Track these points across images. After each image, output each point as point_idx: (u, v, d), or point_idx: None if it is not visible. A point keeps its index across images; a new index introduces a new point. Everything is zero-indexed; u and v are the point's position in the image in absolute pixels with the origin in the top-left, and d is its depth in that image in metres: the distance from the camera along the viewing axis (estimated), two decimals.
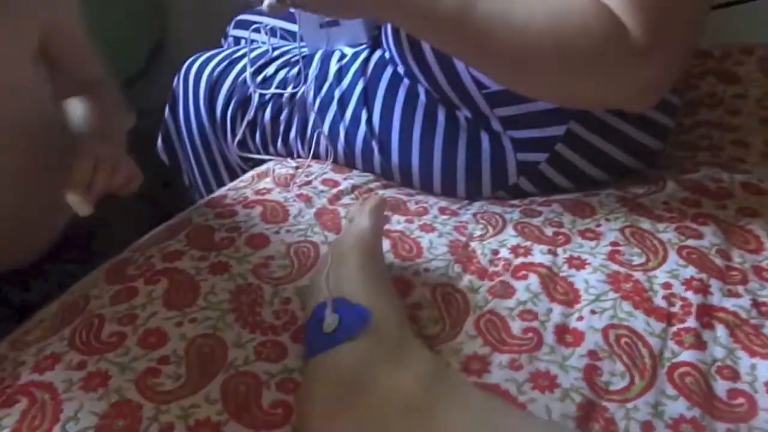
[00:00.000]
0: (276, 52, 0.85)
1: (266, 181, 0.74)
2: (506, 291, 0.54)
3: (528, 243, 0.60)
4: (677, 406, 0.44)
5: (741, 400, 0.44)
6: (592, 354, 0.48)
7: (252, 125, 0.83)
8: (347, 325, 0.45)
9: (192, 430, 0.41)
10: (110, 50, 1.23)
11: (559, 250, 0.59)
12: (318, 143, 0.79)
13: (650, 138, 0.70)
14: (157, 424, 0.42)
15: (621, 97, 0.56)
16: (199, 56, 0.91)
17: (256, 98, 0.82)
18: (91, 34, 1.16)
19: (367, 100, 0.75)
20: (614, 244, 0.58)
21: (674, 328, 0.49)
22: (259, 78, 0.82)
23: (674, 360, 0.47)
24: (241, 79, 0.84)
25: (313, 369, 0.45)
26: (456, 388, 0.42)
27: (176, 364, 0.47)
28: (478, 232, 0.63)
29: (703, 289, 0.52)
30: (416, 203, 0.69)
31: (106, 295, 0.55)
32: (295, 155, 0.82)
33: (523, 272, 0.56)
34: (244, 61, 0.85)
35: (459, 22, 0.53)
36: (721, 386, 0.45)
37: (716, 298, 0.52)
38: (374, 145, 0.74)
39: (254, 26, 0.94)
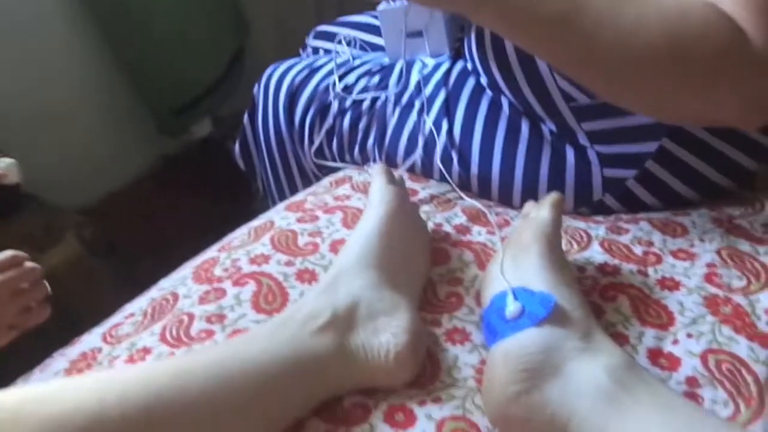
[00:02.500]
0: (357, 61, 0.86)
1: (344, 187, 0.74)
2: (594, 312, 0.52)
3: (616, 261, 0.58)
4: None
5: None
6: (691, 380, 0.46)
7: (330, 133, 0.84)
8: (531, 311, 0.45)
9: None
10: (192, 57, 1.28)
11: (650, 270, 0.57)
12: (396, 152, 0.79)
13: (746, 157, 0.67)
14: None
15: (735, 111, 0.51)
16: (280, 64, 0.93)
17: (335, 105, 0.83)
18: (175, 42, 1.22)
19: (448, 110, 0.75)
20: (710, 265, 0.56)
21: None
22: (340, 86, 0.83)
23: None
24: (321, 87, 0.85)
25: (496, 354, 0.45)
26: (647, 383, 0.41)
27: None
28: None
29: None
30: (497, 215, 0.68)
31: (195, 295, 0.56)
32: (371, 164, 0.82)
33: (612, 293, 0.54)
34: (326, 69, 0.86)
35: (564, 23, 0.49)
36: None
37: None
38: (454, 155, 0.74)
39: (336, 37, 0.95)
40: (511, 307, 0.46)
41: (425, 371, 0.49)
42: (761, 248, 0.57)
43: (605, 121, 0.65)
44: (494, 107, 0.72)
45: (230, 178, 1.14)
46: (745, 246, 0.57)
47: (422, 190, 0.73)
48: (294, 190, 0.94)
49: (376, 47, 0.93)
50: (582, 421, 0.40)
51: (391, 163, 0.80)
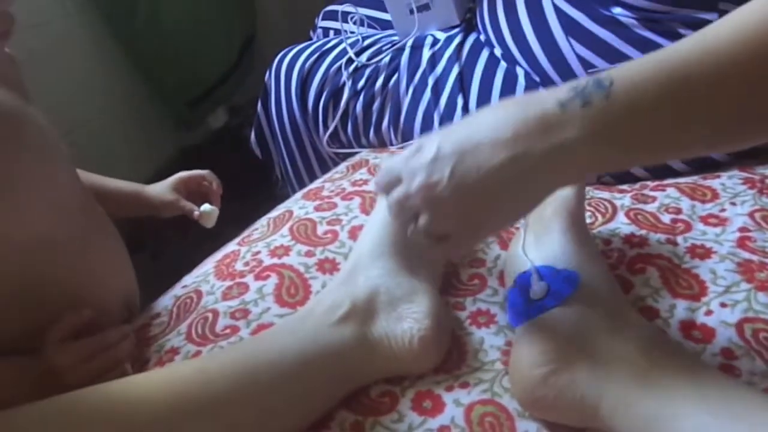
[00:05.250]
0: (367, 41, 0.84)
1: (361, 171, 0.73)
2: (622, 286, 0.51)
3: (643, 232, 0.56)
4: None
5: None
6: (727, 352, 0.44)
7: (344, 116, 0.83)
8: (556, 290, 0.44)
9: None
10: (203, 47, 1.28)
11: (679, 239, 0.55)
12: (411, 132, 0.77)
13: None
14: None
15: None
16: (290, 50, 0.92)
17: (348, 88, 0.81)
18: (185, 34, 1.21)
19: (462, 85, 0.73)
20: (743, 229, 0.54)
21: None
22: (351, 68, 0.82)
23: None
24: (333, 69, 0.84)
25: (522, 336, 0.44)
26: (681, 358, 0.40)
27: None
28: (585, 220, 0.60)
29: None
30: None
31: (218, 291, 0.56)
32: (387, 145, 0.81)
33: (640, 265, 0.53)
34: (335, 52, 0.85)
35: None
36: None
37: None
38: None
39: (345, 17, 0.93)
40: (536, 287, 0.45)
41: (451, 356, 0.48)
42: None
43: None
44: (510, 79, 0.70)
45: (249, 166, 1.14)
46: None
47: None
48: (312, 176, 0.94)
49: (386, 24, 0.91)
50: (615, 401, 0.39)
51: (406, 143, 0.79)
